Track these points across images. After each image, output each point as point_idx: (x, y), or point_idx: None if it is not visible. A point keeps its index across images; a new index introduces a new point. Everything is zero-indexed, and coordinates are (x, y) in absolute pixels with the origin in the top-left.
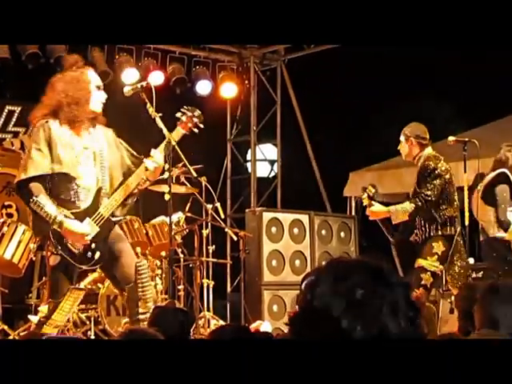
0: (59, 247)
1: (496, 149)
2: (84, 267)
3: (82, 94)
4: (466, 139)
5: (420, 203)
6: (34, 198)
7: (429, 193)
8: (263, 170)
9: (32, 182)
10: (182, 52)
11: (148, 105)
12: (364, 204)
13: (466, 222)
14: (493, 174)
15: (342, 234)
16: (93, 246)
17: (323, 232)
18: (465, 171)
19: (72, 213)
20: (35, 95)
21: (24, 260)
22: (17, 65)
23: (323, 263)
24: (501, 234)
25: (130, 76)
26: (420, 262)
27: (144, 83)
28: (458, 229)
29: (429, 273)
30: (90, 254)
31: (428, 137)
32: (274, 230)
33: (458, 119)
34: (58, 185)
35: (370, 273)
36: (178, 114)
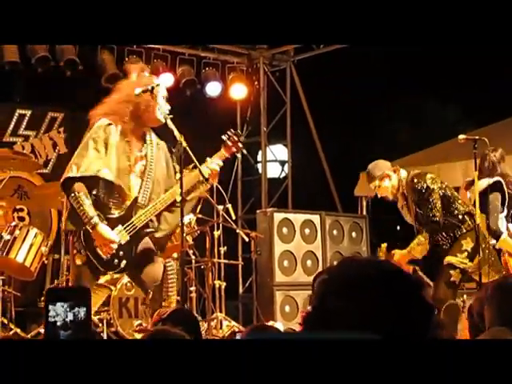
0: (86, 248)
1: (506, 147)
2: (109, 272)
3: (149, 104)
4: (477, 137)
5: (431, 228)
6: (76, 193)
7: (433, 213)
8: (274, 171)
9: (79, 181)
10: (192, 54)
11: (157, 106)
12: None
13: (478, 221)
14: (490, 181)
15: (354, 234)
16: (121, 253)
17: (334, 232)
18: (475, 169)
19: (106, 218)
20: (45, 99)
21: (36, 263)
22: (26, 68)
23: (335, 263)
24: (492, 241)
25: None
26: (449, 259)
27: (154, 85)
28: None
29: (458, 269)
30: (116, 261)
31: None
32: (285, 230)
33: (467, 117)
34: (102, 188)
35: (382, 272)
36: (224, 137)
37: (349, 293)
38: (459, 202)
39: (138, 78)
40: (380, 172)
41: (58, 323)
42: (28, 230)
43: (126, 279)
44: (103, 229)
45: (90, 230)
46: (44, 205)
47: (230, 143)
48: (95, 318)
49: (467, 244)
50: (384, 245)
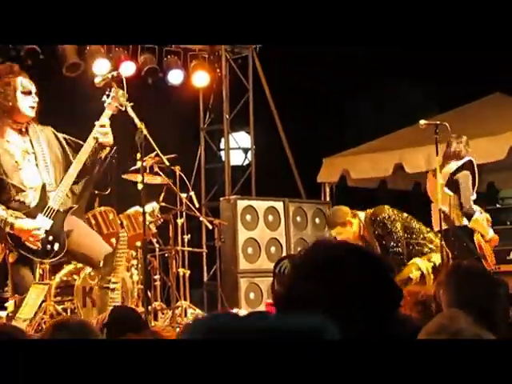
0: (19, 247)
1: (467, 131)
2: (46, 261)
3: (6, 103)
4: (438, 122)
5: (394, 260)
6: None
7: (395, 244)
8: (237, 158)
9: None
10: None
11: (120, 92)
12: None
13: (439, 205)
14: (460, 162)
15: (317, 220)
16: (50, 238)
17: (298, 219)
18: (437, 154)
19: (24, 213)
20: None
21: None
22: None
23: (299, 249)
24: (465, 222)
25: (101, 67)
26: (415, 259)
27: (115, 73)
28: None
29: (419, 272)
30: (49, 246)
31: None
32: (248, 217)
33: (429, 103)
34: (4, 189)
35: (350, 253)
36: (104, 98)
37: (318, 275)
38: (420, 226)
39: None
40: (341, 220)
41: None
42: None
43: (88, 269)
44: (21, 223)
45: (11, 231)
46: None
47: (110, 100)
48: (59, 308)
49: (436, 259)
50: None
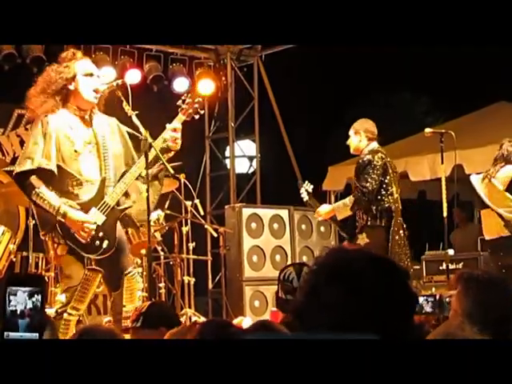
0: (67, 238)
1: (473, 140)
2: (92, 256)
3: (68, 85)
4: (443, 131)
5: (358, 196)
6: (36, 189)
7: (366, 185)
8: (242, 166)
9: (32, 175)
10: (159, 50)
11: (124, 103)
12: (304, 200)
13: (444, 214)
14: None
15: (322, 229)
16: (100, 234)
17: (303, 227)
18: (442, 162)
19: (78, 204)
20: (12, 96)
21: (4, 261)
22: None
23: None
24: None
25: (106, 75)
26: None
27: (119, 81)
28: (398, 220)
29: None
30: (98, 242)
31: (376, 132)
32: (253, 225)
33: (434, 112)
34: (60, 178)
35: (371, 261)
36: (179, 102)
37: (341, 283)
38: (390, 197)
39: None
40: (358, 127)
41: (18, 311)
42: None
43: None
44: (74, 214)
45: (62, 220)
46: (11, 202)
47: (185, 106)
48: (64, 315)
49: (362, 239)
50: (308, 184)
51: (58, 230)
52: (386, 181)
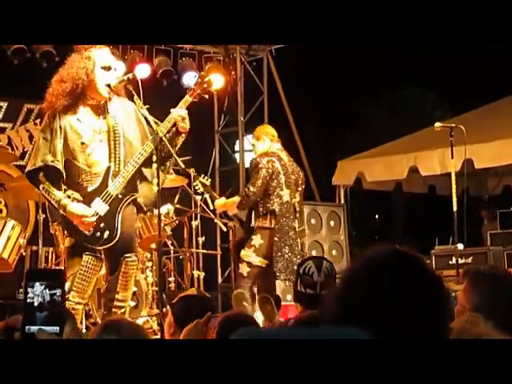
0: (71, 230)
1: (482, 135)
2: (95, 247)
3: (85, 77)
4: (453, 125)
5: (243, 196)
6: (43, 184)
7: (251, 187)
8: None
9: (41, 171)
10: (168, 44)
11: (135, 97)
12: (199, 192)
13: (454, 208)
14: None
15: (332, 223)
16: (102, 225)
17: (313, 221)
18: (452, 157)
19: (82, 195)
20: (21, 91)
21: (14, 255)
22: (2, 60)
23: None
24: None
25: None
26: (241, 253)
27: (130, 75)
28: (287, 222)
29: (245, 263)
30: (98, 233)
31: (274, 135)
32: None
33: (444, 106)
34: (69, 171)
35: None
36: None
37: (374, 283)
38: (277, 199)
39: (75, 53)
40: (260, 133)
41: (36, 304)
42: (5, 222)
43: (103, 270)
44: (74, 207)
45: (64, 213)
46: (21, 197)
47: (194, 87)
48: (66, 303)
49: (256, 240)
50: (203, 179)
51: (63, 223)
52: (274, 184)
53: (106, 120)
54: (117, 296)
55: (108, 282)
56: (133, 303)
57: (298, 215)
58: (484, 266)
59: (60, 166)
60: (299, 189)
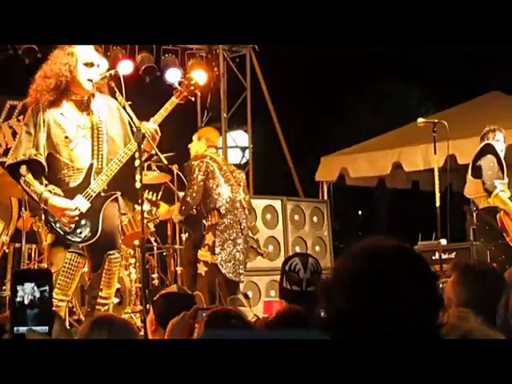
0: (51, 225)
1: (465, 130)
2: (76, 244)
3: (68, 73)
4: (436, 121)
5: (181, 203)
6: (23, 177)
7: (188, 192)
8: (235, 157)
9: (23, 165)
10: None
11: (117, 93)
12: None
13: (437, 203)
14: (477, 149)
15: (315, 219)
16: (83, 222)
17: (296, 217)
18: (435, 153)
19: (63, 190)
20: (4, 87)
21: None
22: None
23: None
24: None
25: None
26: (198, 252)
27: (112, 71)
28: (231, 218)
29: (202, 262)
30: (79, 230)
31: (214, 141)
32: None
33: (426, 102)
34: (51, 166)
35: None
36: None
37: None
38: (216, 197)
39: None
40: (203, 135)
41: (26, 301)
42: None
43: (85, 268)
44: (55, 200)
45: (45, 207)
46: (4, 193)
47: (180, 88)
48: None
49: (209, 238)
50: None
51: (43, 217)
52: (211, 183)
53: (90, 117)
54: (100, 293)
55: (91, 279)
56: (116, 300)
57: (247, 212)
58: (473, 261)
59: (42, 159)
60: (241, 184)
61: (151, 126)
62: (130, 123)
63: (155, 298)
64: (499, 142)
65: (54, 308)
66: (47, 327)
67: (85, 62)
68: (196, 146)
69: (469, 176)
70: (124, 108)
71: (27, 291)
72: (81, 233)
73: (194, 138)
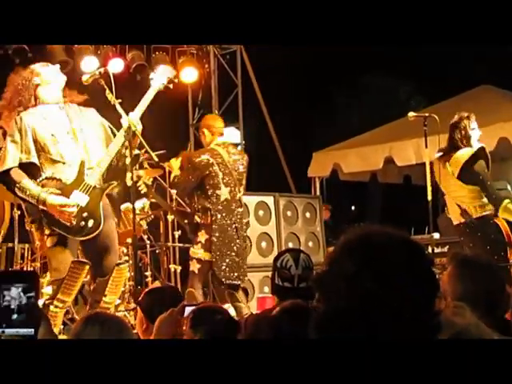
0: (52, 224)
1: None
2: (80, 238)
3: (29, 97)
4: (426, 114)
5: (172, 183)
6: (18, 184)
7: (179, 174)
8: None
9: (12, 170)
10: None
11: (107, 91)
12: (142, 192)
13: (429, 198)
14: (473, 150)
15: (308, 215)
16: (85, 215)
17: (288, 213)
18: (426, 146)
19: (59, 189)
20: None
21: None
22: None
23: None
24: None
25: (89, 64)
26: (190, 250)
27: (102, 69)
28: (227, 221)
29: (194, 260)
30: (83, 223)
31: (217, 127)
32: None
33: (418, 95)
34: (42, 166)
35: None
36: (151, 75)
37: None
38: (211, 198)
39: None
40: (203, 125)
41: (12, 306)
42: None
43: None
44: (53, 199)
45: (44, 208)
46: None
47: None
48: (51, 307)
49: (202, 236)
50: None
51: (44, 220)
52: (211, 183)
53: (68, 118)
54: (104, 298)
55: (97, 283)
56: None
57: (242, 209)
58: (471, 254)
59: (36, 160)
60: (243, 183)
61: (135, 118)
62: (110, 127)
63: (140, 298)
64: (475, 130)
65: (42, 311)
66: (32, 330)
67: (43, 85)
68: (204, 138)
69: (456, 180)
70: (114, 105)
71: (14, 296)
72: (85, 225)
73: (202, 129)
